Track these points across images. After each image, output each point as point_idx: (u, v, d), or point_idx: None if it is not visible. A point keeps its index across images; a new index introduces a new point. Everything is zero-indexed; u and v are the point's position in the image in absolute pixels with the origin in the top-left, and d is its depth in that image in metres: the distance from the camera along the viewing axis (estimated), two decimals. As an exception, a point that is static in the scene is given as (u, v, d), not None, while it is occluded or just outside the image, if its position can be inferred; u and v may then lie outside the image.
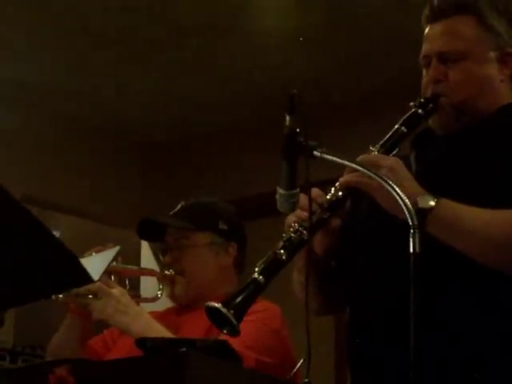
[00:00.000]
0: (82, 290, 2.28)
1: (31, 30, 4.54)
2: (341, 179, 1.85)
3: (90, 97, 5.27)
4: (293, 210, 1.84)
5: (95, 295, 2.26)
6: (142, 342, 1.60)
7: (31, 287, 1.65)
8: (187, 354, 1.49)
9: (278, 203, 1.85)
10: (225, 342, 1.58)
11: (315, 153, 1.75)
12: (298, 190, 1.83)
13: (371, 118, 4.71)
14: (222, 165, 5.75)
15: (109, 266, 2.24)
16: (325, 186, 1.88)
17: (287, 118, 1.77)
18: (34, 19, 4.43)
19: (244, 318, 2.05)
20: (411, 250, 1.53)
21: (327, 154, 1.74)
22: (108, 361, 2.10)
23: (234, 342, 1.77)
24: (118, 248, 2.24)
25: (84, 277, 1.58)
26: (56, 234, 5.60)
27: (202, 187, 5.50)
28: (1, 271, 1.58)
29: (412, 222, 1.55)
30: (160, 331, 2.22)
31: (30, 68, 4.92)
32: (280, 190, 1.83)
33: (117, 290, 2.25)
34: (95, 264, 2.18)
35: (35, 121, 5.36)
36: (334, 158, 1.74)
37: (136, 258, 3.95)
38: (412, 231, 1.54)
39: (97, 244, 2.41)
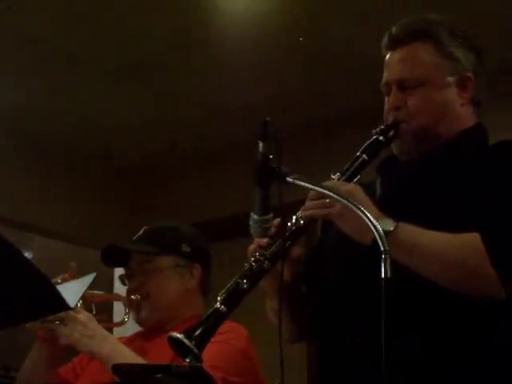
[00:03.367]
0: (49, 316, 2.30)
1: (6, 54, 4.55)
2: (302, 209, 1.85)
3: (64, 120, 5.27)
4: (266, 235, 1.86)
5: (62, 321, 2.27)
6: (117, 367, 1.60)
7: (5, 314, 1.64)
8: (163, 379, 1.49)
9: (252, 228, 1.87)
10: (200, 368, 1.59)
11: (288, 179, 1.76)
12: (271, 215, 1.85)
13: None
14: (192, 187, 5.78)
15: (85, 292, 2.24)
16: (298, 207, 1.89)
17: (260, 144, 1.79)
18: (9, 43, 4.44)
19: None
20: (382, 275, 1.50)
21: (300, 180, 1.76)
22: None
23: None
24: (94, 275, 2.24)
25: (60, 304, 1.59)
26: (29, 255, 5.59)
27: (174, 209, 5.54)
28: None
29: (383, 247, 1.52)
30: (127, 355, 2.23)
31: (7, 91, 4.93)
32: (253, 216, 1.85)
33: (83, 315, 2.25)
34: (71, 291, 2.18)
35: (10, 143, 5.34)
36: (307, 185, 1.76)
37: (110, 280, 3.94)
38: (383, 256, 1.51)
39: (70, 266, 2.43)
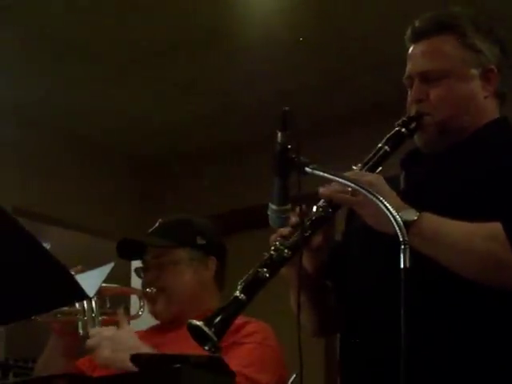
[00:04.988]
0: (63, 309, 2.32)
1: (28, 52, 4.62)
2: (322, 192, 1.85)
3: (80, 112, 5.30)
4: (284, 225, 1.85)
5: (76, 314, 2.28)
6: (136, 357, 1.60)
7: (23, 304, 1.64)
8: (181, 369, 1.49)
9: (270, 219, 1.85)
10: (218, 358, 1.59)
11: (307, 169, 1.76)
12: (289, 205, 1.84)
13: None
14: (209, 179, 5.79)
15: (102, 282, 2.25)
16: (317, 198, 1.88)
17: (279, 134, 1.78)
18: (30, 40, 4.50)
19: (246, 341, 2.09)
20: (402, 266, 1.51)
21: (319, 170, 1.75)
22: (104, 376, 2.09)
23: (237, 365, 1.85)
24: (112, 264, 2.25)
25: (79, 293, 1.59)
26: (47, 245, 5.60)
27: (187, 202, 5.55)
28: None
29: (402, 238, 1.52)
30: None
31: (27, 86, 4.98)
32: (272, 206, 1.84)
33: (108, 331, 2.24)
34: (89, 280, 2.19)
35: (27, 135, 5.37)
36: (326, 175, 1.75)
37: (127, 272, 3.95)
38: (403, 246, 1.52)
39: (86, 256, 2.43)
